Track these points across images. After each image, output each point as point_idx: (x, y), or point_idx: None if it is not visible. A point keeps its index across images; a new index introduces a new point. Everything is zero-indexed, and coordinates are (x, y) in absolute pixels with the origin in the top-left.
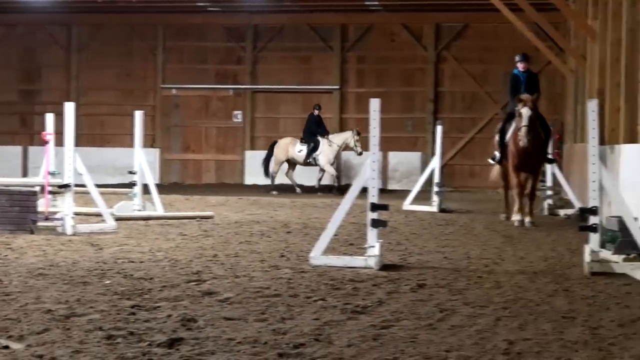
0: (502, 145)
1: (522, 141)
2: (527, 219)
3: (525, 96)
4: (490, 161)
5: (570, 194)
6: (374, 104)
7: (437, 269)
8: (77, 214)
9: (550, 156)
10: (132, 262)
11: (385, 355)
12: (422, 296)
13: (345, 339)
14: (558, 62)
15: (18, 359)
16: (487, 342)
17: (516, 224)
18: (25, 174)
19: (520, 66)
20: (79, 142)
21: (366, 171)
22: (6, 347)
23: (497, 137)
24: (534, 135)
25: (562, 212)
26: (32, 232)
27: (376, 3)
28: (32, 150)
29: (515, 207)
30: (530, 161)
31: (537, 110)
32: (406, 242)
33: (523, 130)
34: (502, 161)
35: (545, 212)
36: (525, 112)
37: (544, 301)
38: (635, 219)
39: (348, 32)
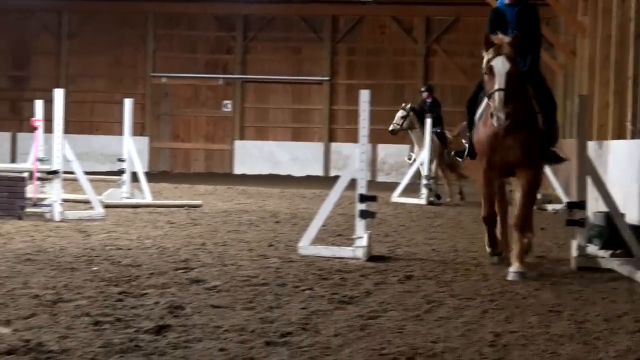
0: (472, 129)
1: (497, 119)
2: (514, 268)
3: (497, 37)
4: (456, 157)
5: (558, 189)
6: (364, 96)
7: (425, 261)
8: (65, 200)
9: (558, 152)
10: (120, 249)
11: (372, 345)
12: (409, 287)
13: (333, 328)
14: (547, 57)
15: (5, 343)
16: (474, 334)
17: (493, 261)
18: (13, 160)
19: None
20: (68, 129)
21: (355, 163)
22: None
23: (465, 120)
24: (518, 108)
25: (550, 207)
26: (20, 218)
27: None
28: (21, 136)
29: (486, 238)
30: (516, 155)
31: (516, 63)
32: (394, 234)
33: (497, 97)
34: (474, 155)
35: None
36: (500, 64)
37: (531, 294)
38: (622, 214)
39: (339, 24)
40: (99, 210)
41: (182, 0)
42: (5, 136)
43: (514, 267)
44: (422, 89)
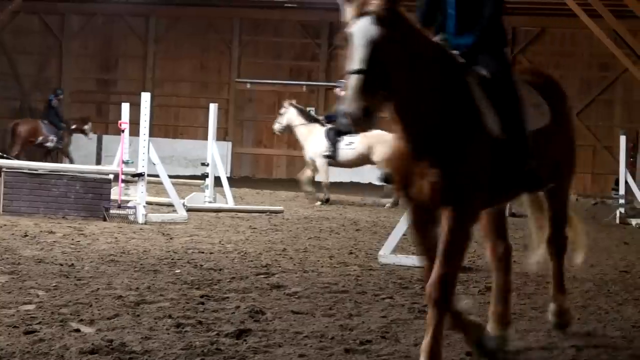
0: None
1: (345, 115)
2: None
3: None
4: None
5: None
6: None
7: None
8: (149, 203)
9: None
10: (202, 252)
11: (452, 355)
12: (490, 299)
13: (412, 337)
14: (635, 69)
15: (88, 342)
16: (555, 348)
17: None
18: (99, 162)
19: None
20: (153, 132)
21: None
22: (77, 330)
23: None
24: (431, 107)
25: (634, 222)
26: (104, 219)
27: None
28: (107, 138)
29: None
30: (431, 186)
31: (394, 28)
32: (475, 244)
33: (349, 83)
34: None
35: (617, 221)
36: (361, 30)
37: (614, 309)
38: None
39: None
40: (181, 214)
41: (268, 7)
42: (92, 138)
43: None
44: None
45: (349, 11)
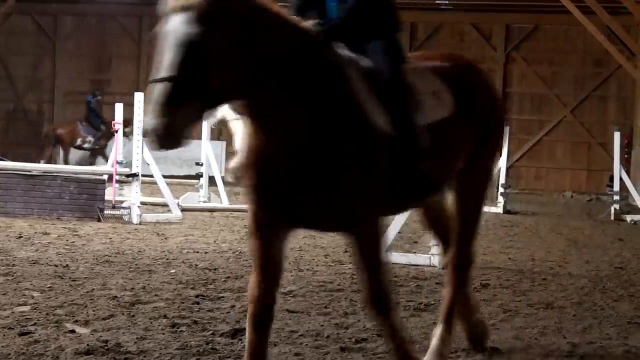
0: None
1: (148, 134)
2: None
3: None
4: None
5: (637, 199)
6: None
7: (501, 270)
8: (143, 203)
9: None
10: (197, 252)
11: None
12: (485, 296)
13: (407, 335)
14: (629, 66)
15: (83, 343)
16: (551, 345)
17: None
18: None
19: None
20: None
21: None
22: (72, 331)
23: None
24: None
25: (628, 218)
26: (99, 220)
27: (446, 2)
28: None
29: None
30: (317, 199)
31: (217, 27)
32: None
33: (154, 94)
34: None
35: (612, 218)
36: (172, 29)
37: (609, 306)
38: None
39: (417, 31)
40: (176, 214)
41: None
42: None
43: None
44: None
45: (166, 4)
